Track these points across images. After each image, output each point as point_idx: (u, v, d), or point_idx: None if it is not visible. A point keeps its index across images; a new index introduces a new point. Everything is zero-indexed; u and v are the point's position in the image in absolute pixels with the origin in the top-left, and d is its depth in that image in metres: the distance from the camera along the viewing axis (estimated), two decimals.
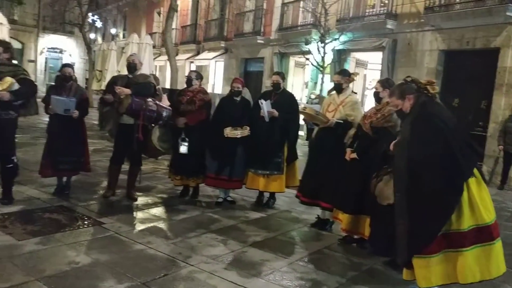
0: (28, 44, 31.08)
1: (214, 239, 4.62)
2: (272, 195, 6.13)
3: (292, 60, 17.75)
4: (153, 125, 5.69)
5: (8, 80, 4.73)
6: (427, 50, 12.09)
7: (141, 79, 5.69)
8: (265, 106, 5.56)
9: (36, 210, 5.06)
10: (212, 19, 22.32)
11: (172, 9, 15.18)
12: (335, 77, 5.28)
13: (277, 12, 17.81)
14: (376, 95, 4.65)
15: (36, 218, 4.78)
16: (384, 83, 4.68)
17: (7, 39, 10.87)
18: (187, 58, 23.40)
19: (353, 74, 5.25)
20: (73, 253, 3.92)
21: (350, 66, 14.27)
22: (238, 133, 5.61)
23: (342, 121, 4.93)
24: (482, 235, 3.21)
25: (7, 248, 3.88)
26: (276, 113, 5.60)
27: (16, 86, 4.76)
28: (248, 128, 5.65)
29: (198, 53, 23.16)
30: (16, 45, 27.31)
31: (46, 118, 5.63)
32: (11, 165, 5.13)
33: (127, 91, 5.31)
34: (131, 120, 5.51)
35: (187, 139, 5.73)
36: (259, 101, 5.64)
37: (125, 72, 6.17)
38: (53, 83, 6.71)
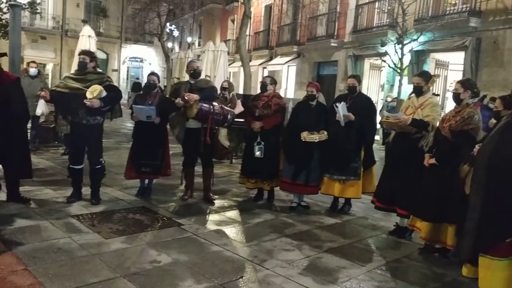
0: (112, 54, 33.21)
1: (289, 244, 4.60)
2: (348, 201, 6.00)
3: (367, 63, 17.34)
4: (217, 127, 5.81)
5: (98, 88, 5.07)
6: None
7: (203, 84, 5.86)
8: (341, 110, 5.46)
9: (120, 211, 5.35)
10: (285, 24, 22.42)
11: (246, 16, 15.47)
12: (414, 79, 5.05)
13: (351, 14, 17.51)
14: (456, 96, 4.40)
15: (121, 218, 5.06)
16: (465, 83, 4.43)
17: (95, 50, 11.70)
18: (260, 64, 23.71)
19: (434, 76, 5.00)
20: (155, 252, 4.09)
21: (429, 67, 13.65)
22: (316, 137, 5.55)
23: (418, 119, 4.70)
24: None
25: (96, 246, 4.14)
26: (352, 116, 5.47)
27: (104, 93, 5.10)
28: (325, 132, 5.58)
29: (270, 59, 23.38)
30: (101, 55, 29.32)
31: (129, 124, 5.98)
32: (99, 166, 5.52)
33: (196, 96, 5.48)
34: (198, 124, 5.69)
35: (262, 143, 5.78)
36: (334, 104, 5.56)
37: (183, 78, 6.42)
38: (140, 92, 7.11)
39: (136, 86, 22.68)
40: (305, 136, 5.56)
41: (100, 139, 5.61)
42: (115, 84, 5.94)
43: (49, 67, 30.64)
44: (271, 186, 6.05)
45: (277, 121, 5.85)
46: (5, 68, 5.38)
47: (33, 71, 8.78)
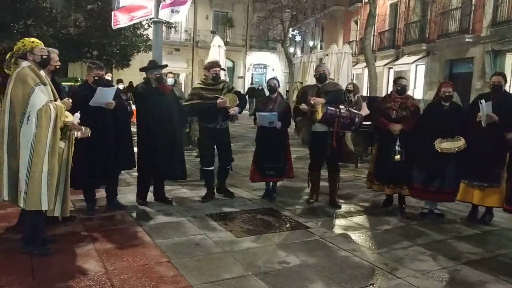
0: (237, 62, 34.83)
1: (422, 253, 4.34)
2: (489, 210, 5.45)
3: (509, 58, 15.62)
4: (343, 131, 5.74)
5: (234, 97, 5.70)
6: None
7: (331, 88, 5.81)
8: (485, 108, 4.98)
9: (249, 211, 5.57)
10: (413, 21, 21.30)
11: (371, 16, 15.04)
12: None
13: (490, 6, 15.96)
14: None
15: (250, 218, 5.27)
16: None
17: (224, 58, 12.43)
18: (385, 64, 22.85)
19: None
20: (283, 253, 4.18)
21: None
22: (454, 148, 5.13)
23: None
24: None
25: (228, 243, 4.37)
26: (496, 118, 4.95)
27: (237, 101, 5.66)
28: (462, 139, 5.15)
29: (397, 58, 22.40)
30: (228, 63, 30.89)
31: (254, 128, 6.24)
32: (229, 167, 6.12)
33: (322, 100, 5.46)
34: (324, 127, 5.67)
35: (403, 146, 5.55)
36: (479, 101, 5.08)
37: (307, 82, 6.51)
38: (261, 99, 7.44)
39: (251, 91, 23.50)
40: (442, 147, 5.18)
41: (230, 141, 6.16)
42: (241, 90, 6.38)
43: (182, 77, 33.22)
44: (409, 192, 5.69)
45: (416, 123, 5.53)
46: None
47: (170, 81, 9.59)
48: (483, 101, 5.01)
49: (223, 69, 6.10)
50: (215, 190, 6.14)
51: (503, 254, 4.44)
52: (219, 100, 5.58)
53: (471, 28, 17.10)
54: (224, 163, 6.10)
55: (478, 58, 16.63)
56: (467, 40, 16.99)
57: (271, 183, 6.30)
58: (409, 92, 19.08)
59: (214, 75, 5.88)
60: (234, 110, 5.75)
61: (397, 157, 5.50)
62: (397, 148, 5.52)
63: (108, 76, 10.06)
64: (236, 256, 4.04)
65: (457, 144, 5.15)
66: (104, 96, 4.86)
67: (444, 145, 5.19)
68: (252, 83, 29.23)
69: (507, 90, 5.84)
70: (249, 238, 4.54)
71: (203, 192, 6.11)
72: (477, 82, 16.33)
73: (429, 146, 5.26)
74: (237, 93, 5.95)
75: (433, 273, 3.88)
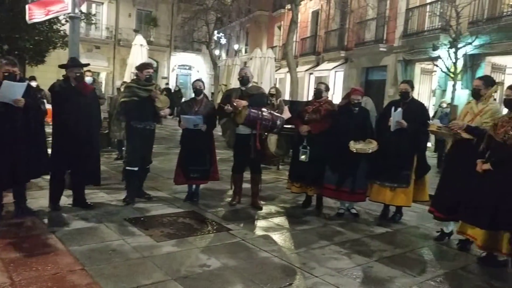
0: (162, 62, 34.12)
1: (338, 252, 4.53)
2: (399, 209, 5.83)
3: (418, 67, 16.85)
4: (266, 133, 5.86)
5: (165, 99, 5.71)
6: None
7: (254, 91, 5.94)
8: (396, 115, 5.33)
9: (171, 215, 5.47)
10: (332, 29, 22.24)
11: (293, 22, 15.48)
12: (474, 81, 4.90)
13: (401, 18, 17.11)
14: (509, 102, 4.22)
15: (171, 222, 5.18)
16: None
17: (146, 58, 12.12)
18: (307, 70, 23.61)
19: (498, 83, 4.82)
20: (204, 256, 4.15)
21: (484, 71, 13.07)
22: (368, 149, 5.42)
23: (473, 126, 4.53)
24: None
25: (148, 248, 4.26)
26: (404, 124, 5.34)
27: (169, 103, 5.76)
28: (374, 142, 5.46)
29: (317, 64, 23.23)
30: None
31: (178, 130, 6.17)
32: (148, 167, 6.08)
33: (245, 103, 5.55)
34: (248, 130, 5.75)
35: (308, 147, 5.76)
36: (393, 108, 5.43)
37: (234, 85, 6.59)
38: (184, 98, 7.40)
39: (167, 92, 23.13)
40: (356, 147, 5.45)
41: (153, 142, 6.10)
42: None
43: (103, 76, 31.91)
44: (315, 192, 5.99)
45: (325, 126, 5.78)
46: None
47: (88, 79, 9.14)
48: (394, 108, 5.37)
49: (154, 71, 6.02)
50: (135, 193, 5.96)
51: (410, 250, 4.77)
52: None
53: (385, 38, 18.19)
54: (145, 163, 5.98)
55: (391, 66, 17.73)
56: (381, 49, 18.05)
57: (193, 186, 6.24)
58: (330, 97, 19.78)
59: (147, 76, 5.79)
60: (165, 111, 5.80)
61: (302, 157, 5.75)
62: (301, 148, 5.78)
63: (33, 83, 9.41)
64: (155, 261, 3.95)
65: (371, 145, 5.45)
66: (12, 92, 4.49)
67: (359, 146, 5.47)
68: (167, 83, 28.58)
69: (415, 97, 6.27)
70: (170, 242, 4.46)
71: (122, 195, 5.91)
72: (390, 89, 17.38)
73: (342, 148, 5.52)
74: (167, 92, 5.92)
75: (348, 270, 4.06)
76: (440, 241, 5.09)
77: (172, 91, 24.32)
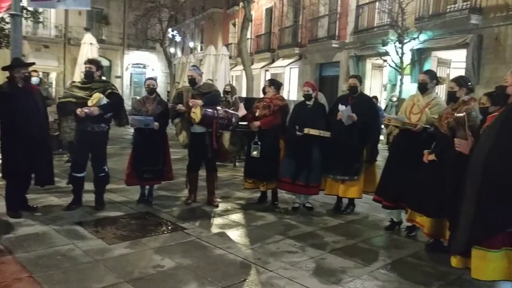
0: (115, 61, 33.35)
1: (292, 246, 4.60)
2: (352, 201, 6.00)
3: (369, 63, 17.33)
4: (221, 131, 5.87)
5: (97, 96, 5.18)
6: None
7: (206, 89, 5.89)
8: (345, 112, 5.47)
9: (124, 216, 5.37)
10: (286, 26, 22.45)
11: (247, 19, 15.52)
12: (420, 76, 5.10)
13: (352, 14, 17.53)
14: (452, 95, 4.46)
15: (124, 224, 5.08)
16: (460, 81, 4.52)
17: (97, 57, 11.79)
18: (262, 67, 23.74)
19: (441, 79, 5.03)
20: (158, 257, 4.10)
21: (431, 66, 13.63)
22: (320, 132, 5.51)
23: (429, 126, 4.71)
24: None
25: (100, 251, 4.16)
26: (355, 117, 5.48)
27: (104, 101, 5.20)
28: (328, 132, 5.58)
29: (273, 61, 23.41)
30: (104, 62, 29.43)
31: (132, 130, 6.02)
32: (103, 174, 5.57)
33: (200, 102, 5.51)
34: (202, 128, 5.73)
35: (259, 142, 5.81)
36: (339, 106, 5.56)
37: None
38: (138, 97, 7.19)
39: None
40: (311, 130, 5.51)
41: (105, 146, 5.66)
42: (119, 90, 5.98)
43: (53, 76, 30.82)
44: (267, 187, 6.04)
45: (275, 121, 5.84)
46: None
47: (34, 80, 8.80)
48: (343, 106, 5.50)
49: (101, 67, 5.67)
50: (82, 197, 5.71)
51: (362, 241, 4.91)
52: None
53: (337, 34, 18.57)
54: (96, 170, 5.58)
55: (344, 62, 18.13)
56: (333, 45, 18.42)
57: (147, 187, 6.14)
58: (284, 94, 19.86)
59: (84, 72, 5.52)
60: (91, 110, 5.12)
61: (254, 152, 5.82)
62: (252, 144, 5.85)
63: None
64: (107, 264, 3.86)
65: (324, 132, 5.55)
66: None
67: (312, 131, 5.55)
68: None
69: (367, 92, 6.45)
70: (122, 244, 4.37)
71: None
72: (343, 85, 17.75)
73: (297, 142, 5.59)
74: (112, 94, 5.42)
75: (302, 263, 4.13)
76: (390, 230, 5.28)
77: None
